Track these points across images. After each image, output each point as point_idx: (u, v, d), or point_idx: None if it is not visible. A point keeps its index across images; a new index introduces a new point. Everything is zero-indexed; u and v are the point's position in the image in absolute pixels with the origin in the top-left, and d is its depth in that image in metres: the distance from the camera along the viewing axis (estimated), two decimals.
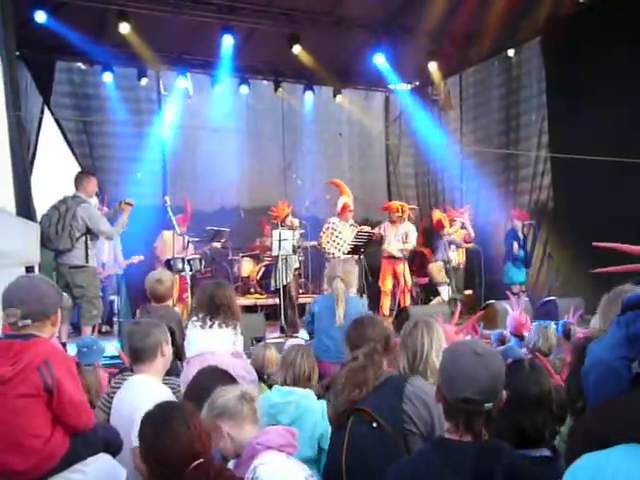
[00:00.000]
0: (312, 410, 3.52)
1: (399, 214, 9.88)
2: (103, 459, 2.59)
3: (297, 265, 9.69)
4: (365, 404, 2.78)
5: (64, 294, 3.34)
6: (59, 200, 7.00)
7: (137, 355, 3.50)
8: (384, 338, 3.22)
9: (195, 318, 4.70)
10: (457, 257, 10.82)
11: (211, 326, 4.60)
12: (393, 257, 9.89)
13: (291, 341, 5.91)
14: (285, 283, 9.30)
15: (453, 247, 10.69)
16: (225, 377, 3.43)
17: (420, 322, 3.21)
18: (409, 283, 10.04)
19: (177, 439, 2.41)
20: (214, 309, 4.63)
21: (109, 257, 9.75)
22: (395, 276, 9.87)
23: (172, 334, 3.93)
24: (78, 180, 7.22)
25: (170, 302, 6.18)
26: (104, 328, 9.30)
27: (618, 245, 2.40)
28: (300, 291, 10.94)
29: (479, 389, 2.04)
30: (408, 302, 9.86)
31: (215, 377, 3.35)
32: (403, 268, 9.86)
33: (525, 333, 5.01)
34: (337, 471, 2.80)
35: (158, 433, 2.45)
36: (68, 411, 2.82)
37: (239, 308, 4.91)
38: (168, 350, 3.57)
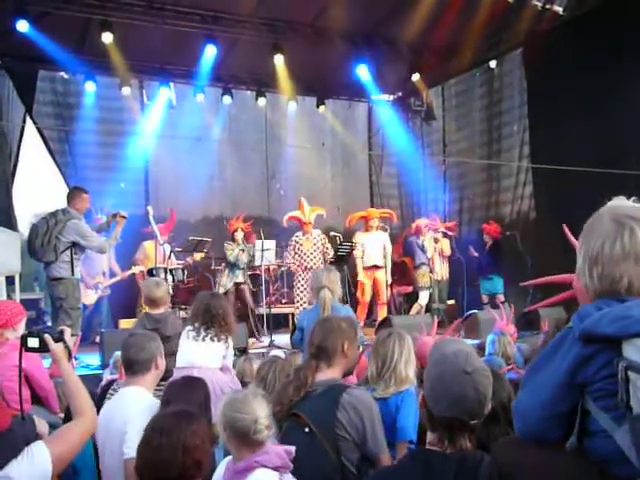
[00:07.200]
0: None
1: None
2: (27, 459, 2.34)
3: (242, 279, 9.66)
4: (301, 409, 2.88)
5: None
6: (50, 212, 6.97)
7: (131, 367, 3.52)
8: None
9: (190, 327, 4.73)
10: (441, 270, 10.80)
11: (204, 338, 4.62)
12: (375, 266, 9.87)
13: (274, 352, 5.89)
14: (225, 290, 9.31)
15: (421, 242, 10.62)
16: (196, 385, 3.44)
17: (394, 333, 3.45)
18: (386, 293, 10.01)
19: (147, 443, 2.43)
20: (209, 319, 4.66)
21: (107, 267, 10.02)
22: (375, 284, 9.88)
23: None
24: (70, 196, 7.22)
25: (167, 307, 6.18)
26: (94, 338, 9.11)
27: (546, 279, 2.44)
28: (283, 301, 11.03)
29: (467, 410, 1.98)
30: (385, 313, 9.80)
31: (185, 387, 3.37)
32: (383, 276, 9.89)
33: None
34: None
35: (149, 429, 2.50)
36: None
37: (234, 320, 4.93)
38: (162, 363, 3.61)
